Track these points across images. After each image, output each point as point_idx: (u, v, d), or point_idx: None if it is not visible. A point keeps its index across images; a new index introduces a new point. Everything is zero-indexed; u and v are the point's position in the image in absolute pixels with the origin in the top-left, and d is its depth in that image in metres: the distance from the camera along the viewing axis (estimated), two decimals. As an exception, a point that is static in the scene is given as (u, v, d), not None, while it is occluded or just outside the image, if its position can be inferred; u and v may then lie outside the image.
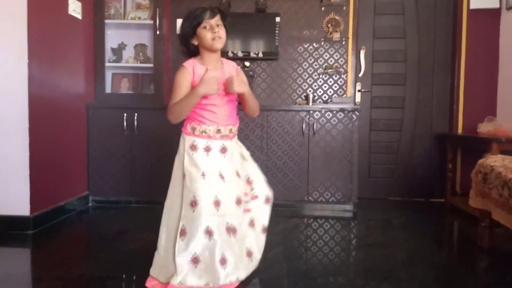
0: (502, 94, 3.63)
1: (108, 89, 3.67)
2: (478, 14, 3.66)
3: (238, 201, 1.92)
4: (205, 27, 1.86)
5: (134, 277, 1.97)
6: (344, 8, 3.78)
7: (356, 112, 3.34)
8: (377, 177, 3.94)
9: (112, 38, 3.74)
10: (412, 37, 3.84)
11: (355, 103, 3.84)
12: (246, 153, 2.07)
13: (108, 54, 3.69)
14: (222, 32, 1.88)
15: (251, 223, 2.01)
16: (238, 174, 1.95)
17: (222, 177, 1.88)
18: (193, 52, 1.96)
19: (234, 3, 3.82)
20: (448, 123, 3.85)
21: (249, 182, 2.03)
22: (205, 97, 1.84)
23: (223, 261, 1.81)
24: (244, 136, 3.36)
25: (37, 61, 2.70)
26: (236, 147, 2.00)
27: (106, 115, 3.41)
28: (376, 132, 3.93)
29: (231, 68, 2.01)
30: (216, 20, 1.88)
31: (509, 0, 3.47)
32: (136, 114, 3.38)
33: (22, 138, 2.63)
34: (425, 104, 3.88)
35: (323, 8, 3.79)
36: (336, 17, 3.78)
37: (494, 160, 2.32)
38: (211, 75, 1.84)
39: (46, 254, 2.29)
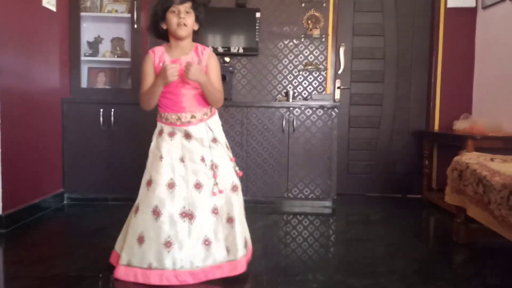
0: (477, 91, 3.71)
1: (84, 84, 3.58)
2: (455, 13, 3.73)
3: (198, 186, 1.89)
4: (173, 11, 1.87)
5: (111, 276, 1.92)
6: (324, 4, 3.78)
7: (335, 109, 3.36)
8: (355, 173, 3.97)
9: (88, 31, 3.64)
10: (390, 35, 3.88)
11: (334, 100, 3.86)
12: (221, 138, 2.02)
13: (84, 48, 3.60)
14: (189, 19, 1.88)
15: (214, 211, 1.91)
16: (203, 159, 1.92)
17: (182, 161, 1.91)
18: (162, 35, 1.97)
19: (214, -3, 3.78)
20: (425, 120, 3.91)
21: (216, 166, 1.93)
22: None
23: (168, 244, 1.81)
24: (224, 132, 3.33)
25: (8, 54, 2.61)
26: (203, 132, 1.95)
27: (82, 110, 3.32)
28: (355, 129, 3.96)
29: (199, 55, 1.96)
30: (186, 6, 1.88)
31: (485, -1, 3.55)
32: (113, 109, 3.31)
33: (-7, 133, 2.54)
34: (403, 101, 3.93)
35: (303, 4, 3.79)
36: (316, 14, 3.78)
37: (470, 158, 2.36)
38: (181, 61, 1.87)
39: (19, 253, 2.22)
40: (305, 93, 3.85)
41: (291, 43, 3.83)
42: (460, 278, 2.02)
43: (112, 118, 3.31)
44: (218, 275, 1.87)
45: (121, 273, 1.85)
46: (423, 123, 3.92)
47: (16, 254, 2.23)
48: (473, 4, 3.68)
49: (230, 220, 1.93)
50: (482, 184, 2.10)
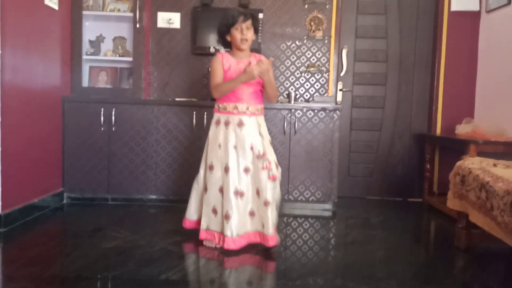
0: (480, 95, 3.69)
1: (85, 83, 3.57)
2: (459, 16, 3.71)
3: (246, 170, 2.30)
4: (237, 29, 2.29)
5: (110, 277, 1.91)
6: (327, 6, 3.77)
7: (337, 111, 3.34)
8: (356, 176, 3.96)
9: (90, 30, 3.63)
10: (393, 37, 3.87)
11: (336, 102, 3.85)
12: (265, 133, 2.40)
13: (86, 47, 3.59)
14: (249, 34, 2.31)
15: (257, 192, 2.31)
16: (252, 147, 2.30)
17: (235, 148, 2.30)
18: (226, 44, 2.41)
19: (217, -3, 3.77)
20: (427, 123, 3.89)
21: (263, 154, 2.30)
22: (230, 74, 2.31)
23: (227, 217, 2.25)
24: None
25: (10, 52, 2.59)
26: (254, 124, 2.34)
27: (83, 109, 3.31)
28: (356, 131, 3.94)
29: (258, 59, 2.35)
30: (247, 24, 2.30)
31: (489, 3, 3.53)
32: (113, 109, 3.30)
33: (-7, 132, 2.52)
34: (405, 104, 3.91)
35: (306, 6, 3.78)
36: (319, 15, 3.77)
37: (472, 163, 2.35)
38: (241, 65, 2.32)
39: (17, 253, 2.21)
40: (307, 95, 3.84)
41: (293, 45, 3.82)
42: (460, 284, 2.00)
43: (113, 118, 3.30)
44: (257, 240, 2.32)
45: (204, 235, 2.36)
46: (425, 126, 3.90)
47: (14, 253, 2.21)
48: (476, 8, 3.67)
49: (266, 203, 2.27)
50: (485, 189, 2.08)
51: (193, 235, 2.48)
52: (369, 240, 2.63)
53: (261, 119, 2.42)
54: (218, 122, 2.37)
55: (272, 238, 2.26)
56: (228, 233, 2.25)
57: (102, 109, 3.30)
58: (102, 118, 3.30)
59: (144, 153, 3.33)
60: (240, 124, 2.30)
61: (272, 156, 2.35)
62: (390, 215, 3.31)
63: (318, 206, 3.38)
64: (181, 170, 3.33)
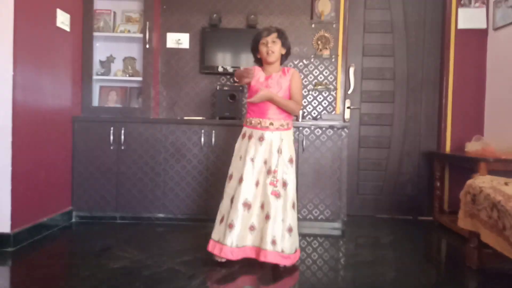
0: (489, 113, 3.67)
1: (95, 102, 3.62)
2: (466, 34, 3.72)
3: (257, 183, 2.36)
4: (263, 43, 2.43)
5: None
6: (334, 25, 3.81)
7: (345, 129, 3.33)
8: (365, 194, 3.93)
9: (100, 50, 3.70)
10: (400, 55, 3.88)
11: (344, 120, 3.85)
12: (286, 148, 2.40)
13: (96, 67, 3.65)
14: (275, 47, 2.42)
15: (262, 206, 2.37)
16: (265, 162, 2.38)
17: (252, 161, 2.37)
18: (258, 61, 2.55)
19: (225, 18, 3.83)
20: (436, 141, 3.87)
21: (274, 171, 2.35)
22: (256, 92, 2.39)
23: (231, 226, 2.31)
24: (232, 152, 3.33)
25: (22, 72, 2.64)
26: (276, 139, 2.39)
27: (93, 128, 3.35)
28: (365, 149, 3.93)
29: (286, 73, 2.47)
30: (272, 37, 2.43)
31: (496, 21, 3.54)
32: (123, 128, 3.33)
33: (5, 150, 2.55)
34: (413, 121, 3.90)
35: (313, 25, 3.82)
36: (326, 34, 3.80)
37: (483, 181, 2.32)
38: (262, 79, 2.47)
39: (26, 273, 2.21)
40: (314, 113, 3.85)
41: (301, 63, 3.85)
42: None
43: (122, 137, 3.33)
44: (252, 255, 2.34)
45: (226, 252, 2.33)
46: (434, 144, 3.88)
47: (22, 273, 2.22)
48: (484, 26, 3.68)
49: (267, 217, 2.32)
50: (496, 209, 2.05)
51: (201, 254, 2.46)
52: (379, 261, 2.59)
53: (285, 134, 2.44)
54: (243, 136, 2.47)
55: (265, 253, 2.28)
56: (228, 242, 2.30)
57: (112, 128, 3.33)
58: (111, 137, 3.33)
59: (153, 172, 3.34)
60: (261, 139, 2.39)
61: (283, 175, 2.38)
62: (400, 234, 3.27)
63: (327, 224, 3.35)
64: (189, 189, 3.33)
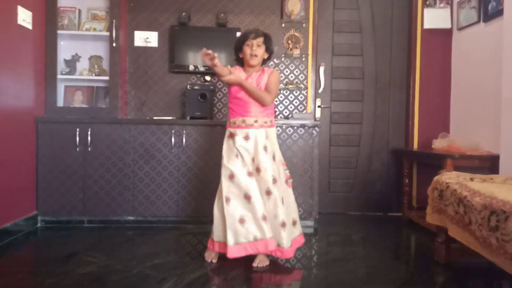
0: (454, 110, 3.77)
1: (60, 102, 3.50)
2: (431, 34, 3.81)
3: (250, 174, 2.37)
4: (248, 45, 2.43)
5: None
6: (304, 25, 3.82)
7: (316, 128, 3.35)
8: (336, 192, 3.97)
9: (65, 49, 3.58)
10: (369, 55, 3.94)
11: (315, 119, 3.87)
12: (270, 144, 2.44)
13: (61, 66, 3.53)
14: (259, 51, 2.44)
15: (267, 192, 2.39)
16: (253, 159, 2.40)
17: (237, 156, 2.38)
18: (240, 61, 2.55)
19: (195, 16, 3.78)
20: (404, 139, 3.95)
21: (258, 169, 2.38)
22: (236, 92, 2.42)
23: (242, 221, 2.33)
24: (204, 152, 3.29)
25: (-20, 73, 2.52)
26: (261, 137, 2.40)
27: (58, 129, 3.23)
28: (335, 147, 3.97)
29: (265, 72, 2.49)
30: (258, 41, 2.43)
31: (460, 21, 3.64)
32: (89, 129, 3.23)
33: (-38, 155, 2.42)
34: (382, 120, 3.97)
35: (283, 25, 3.82)
36: (296, 34, 3.81)
37: (449, 177, 2.37)
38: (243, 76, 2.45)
39: (-14, 282, 2.10)
40: (286, 112, 3.85)
41: (271, 63, 3.84)
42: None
43: (89, 138, 3.23)
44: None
45: (233, 251, 2.30)
46: (402, 141, 3.96)
47: (-17, 282, 2.11)
48: (448, 26, 3.78)
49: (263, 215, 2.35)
50: (462, 204, 2.10)
51: (173, 257, 2.41)
52: (350, 257, 2.61)
53: (270, 130, 2.48)
54: (229, 136, 2.46)
55: (264, 243, 2.33)
56: (243, 236, 2.33)
57: (78, 129, 3.23)
58: (77, 138, 3.23)
59: (121, 174, 3.26)
60: (246, 137, 2.40)
61: (269, 173, 2.39)
62: (371, 231, 3.31)
63: (300, 223, 3.34)
64: (159, 190, 3.27)
